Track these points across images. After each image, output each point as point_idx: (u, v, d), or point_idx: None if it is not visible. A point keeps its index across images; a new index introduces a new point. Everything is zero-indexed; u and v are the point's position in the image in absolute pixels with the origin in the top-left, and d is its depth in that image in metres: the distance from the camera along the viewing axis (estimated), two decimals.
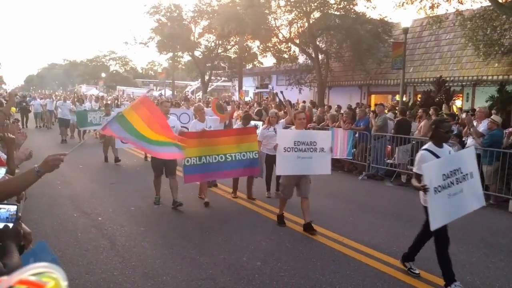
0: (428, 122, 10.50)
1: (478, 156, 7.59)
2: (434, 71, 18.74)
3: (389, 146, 11.06)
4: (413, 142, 10.27)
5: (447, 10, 15.96)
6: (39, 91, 54.68)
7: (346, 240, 5.88)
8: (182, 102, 19.21)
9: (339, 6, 20.71)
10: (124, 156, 12.32)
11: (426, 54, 20.19)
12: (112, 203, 7.57)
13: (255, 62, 32.96)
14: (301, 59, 25.20)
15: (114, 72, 66.34)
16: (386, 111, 12.30)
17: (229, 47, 31.75)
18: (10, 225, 2.35)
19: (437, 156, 4.42)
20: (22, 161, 4.37)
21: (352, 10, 20.57)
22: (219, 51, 31.85)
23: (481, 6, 15.56)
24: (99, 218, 6.64)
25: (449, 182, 4.23)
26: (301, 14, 21.43)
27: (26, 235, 2.63)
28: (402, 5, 15.46)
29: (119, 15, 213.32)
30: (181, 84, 52.56)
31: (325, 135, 6.84)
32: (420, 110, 11.27)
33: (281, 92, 17.33)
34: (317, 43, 21.96)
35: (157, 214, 7.09)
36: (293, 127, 6.95)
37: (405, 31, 13.89)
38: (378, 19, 20.58)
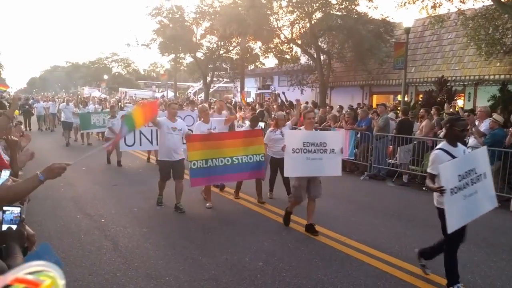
0: (430, 122, 10.52)
1: None
2: (436, 70, 18.71)
3: (391, 146, 11.07)
4: (415, 142, 10.28)
5: (449, 9, 15.90)
6: (42, 93, 54.82)
7: (348, 240, 5.89)
8: (186, 103, 19.24)
9: (340, 7, 20.68)
10: (126, 158, 12.36)
11: (428, 54, 20.16)
12: (115, 205, 7.61)
13: (257, 63, 33.00)
14: (303, 59, 25.22)
15: (116, 74, 66.48)
16: (388, 110, 12.31)
17: (231, 48, 31.78)
18: (14, 227, 2.38)
19: (452, 156, 4.28)
20: (25, 163, 4.41)
21: (354, 10, 20.54)
22: (221, 52, 31.87)
23: (483, 5, 15.53)
24: (102, 220, 6.68)
25: (464, 183, 4.11)
26: (303, 15, 21.42)
27: (29, 237, 2.66)
28: (404, 5, 15.47)
29: (121, 17, 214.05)
30: (183, 86, 52.62)
31: (336, 135, 6.69)
32: (422, 110, 11.27)
33: (283, 93, 17.29)
34: (319, 43, 21.95)
35: (159, 215, 7.12)
36: (302, 127, 6.78)
37: (407, 31, 13.90)
38: (380, 19, 20.54)
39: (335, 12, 20.88)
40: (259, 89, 33.65)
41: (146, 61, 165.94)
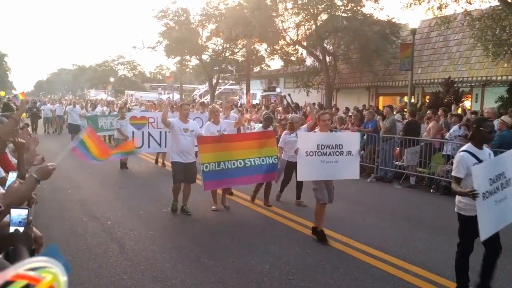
0: (437, 123, 10.46)
1: None
2: (442, 72, 18.61)
3: (398, 148, 11.01)
4: (422, 144, 10.21)
5: (455, 10, 15.83)
6: (49, 96, 55.19)
7: (355, 242, 5.85)
8: (193, 104, 19.22)
9: (346, 8, 20.66)
10: (133, 160, 12.38)
11: (434, 55, 20.06)
12: (121, 207, 7.62)
13: (262, 65, 32.99)
14: (309, 61, 25.17)
15: (122, 76, 66.84)
16: (394, 112, 12.24)
17: (236, 50, 31.81)
18: (21, 229, 2.38)
19: (478, 158, 4.04)
20: (31, 165, 4.42)
21: (360, 12, 20.50)
22: (227, 54, 31.92)
23: (490, 6, 15.45)
24: (108, 222, 6.68)
25: (495, 187, 3.87)
26: (308, 17, 21.41)
27: (37, 239, 2.67)
28: (410, 6, 15.43)
29: (127, 20, 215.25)
30: (189, 88, 52.80)
31: (353, 137, 6.39)
32: (428, 112, 11.21)
33: (289, 95, 17.24)
34: (325, 45, 21.93)
35: (166, 218, 7.11)
36: (316, 129, 6.52)
37: (413, 32, 13.85)
38: (386, 20, 20.49)
39: (340, 14, 20.87)
40: (264, 91, 33.64)
41: (152, 64, 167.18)
